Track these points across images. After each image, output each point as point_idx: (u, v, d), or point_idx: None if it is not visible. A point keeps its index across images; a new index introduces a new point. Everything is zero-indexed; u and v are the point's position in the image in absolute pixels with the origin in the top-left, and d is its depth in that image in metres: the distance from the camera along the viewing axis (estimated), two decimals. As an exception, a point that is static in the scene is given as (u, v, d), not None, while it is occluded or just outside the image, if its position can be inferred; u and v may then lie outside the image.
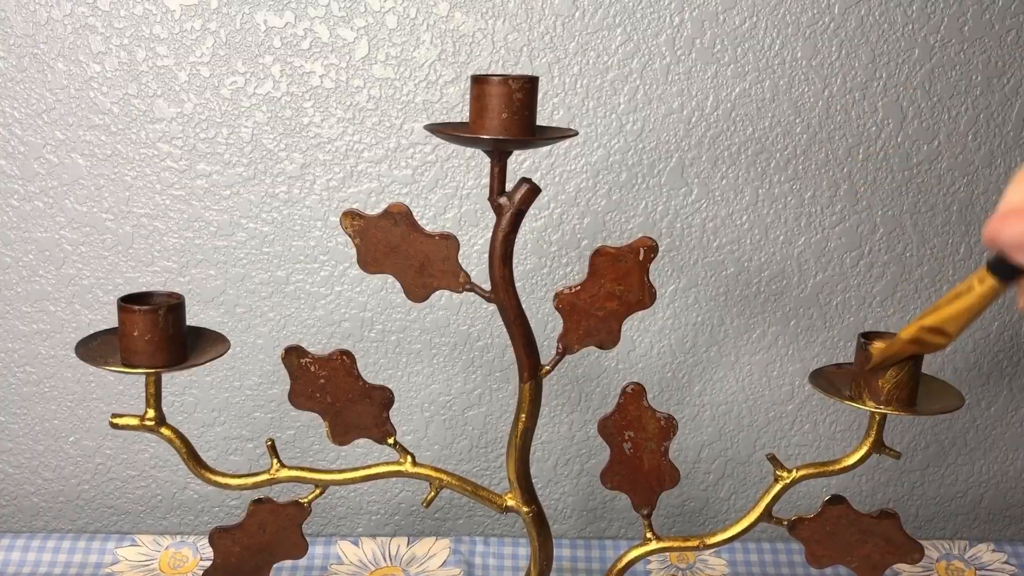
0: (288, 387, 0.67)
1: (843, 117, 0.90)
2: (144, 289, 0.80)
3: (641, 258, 0.64)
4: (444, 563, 0.94)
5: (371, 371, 0.95)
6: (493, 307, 0.66)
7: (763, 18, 0.87)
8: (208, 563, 0.71)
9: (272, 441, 0.69)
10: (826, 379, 0.68)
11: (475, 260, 0.91)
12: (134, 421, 0.65)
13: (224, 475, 0.68)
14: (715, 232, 0.93)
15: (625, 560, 0.72)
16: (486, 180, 0.89)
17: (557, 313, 0.66)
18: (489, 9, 0.86)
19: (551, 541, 0.73)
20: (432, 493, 0.70)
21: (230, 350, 0.67)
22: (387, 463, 0.70)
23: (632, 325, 0.96)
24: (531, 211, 0.90)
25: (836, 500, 0.70)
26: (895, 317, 0.97)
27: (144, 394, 0.65)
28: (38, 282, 0.92)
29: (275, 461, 0.69)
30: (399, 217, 0.63)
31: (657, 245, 0.65)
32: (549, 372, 0.67)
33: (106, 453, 0.98)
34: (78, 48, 0.85)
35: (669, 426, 0.68)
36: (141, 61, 0.86)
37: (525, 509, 0.71)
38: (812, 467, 0.68)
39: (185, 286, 0.92)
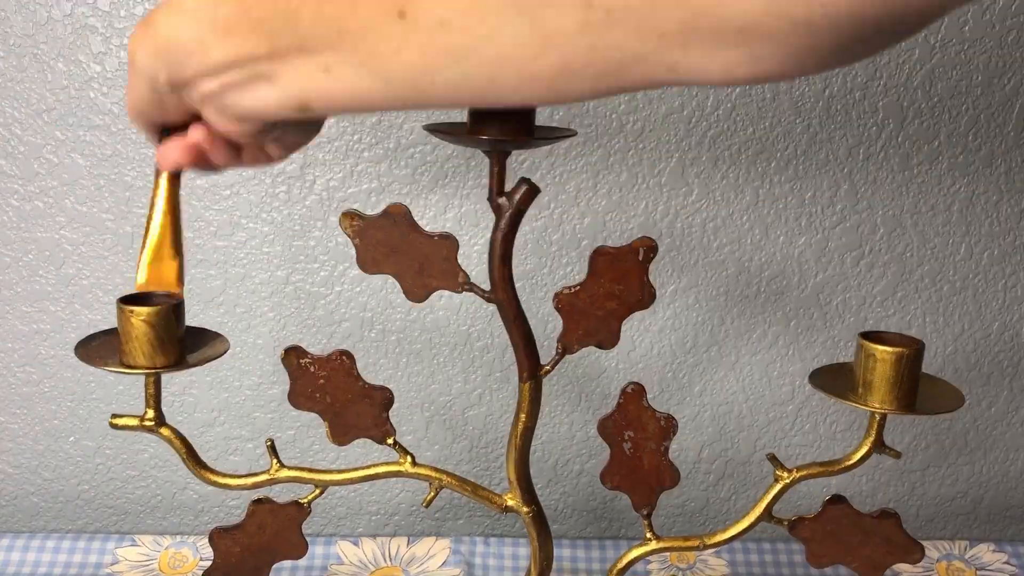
0: (288, 387, 0.67)
1: (843, 117, 0.90)
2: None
3: (641, 258, 0.64)
4: (444, 563, 0.94)
5: (371, 371, 0.95)
6: (494, 307, 0.66)
7: (763, 18, 0.87)
8: (208, 563, 0.71)
9: (271, 441, 0.69)
10: (826, 379, 0.68)
11: (476, 260, 0.91)
12: (133, 422, 0.65)
13: (223, 475, 0.68)
14: (715, 232, 0.93)
15: (625, 560, 0.72)
16: (486, 180, 0.89)
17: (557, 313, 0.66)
18: (489, 9, 0.86)
19: (551, 541, 0.73)
20: (432, 493, 0.70)
21: (230, 350, 0.67)
22: (386, 463, 0.70)
23: (632, 325, 0.96)
24: (531, 211, 0.90)
25: (836, 500, 0.70)
26: (895, 317, 0.97)
27: (144, 394, 0.65)
28: (38, 282, 0.92)
29: (274, 461, 0.69)
30: (398, 217, 0.63)
31: (657, 245, 0.65)
32: (549, 372, 0.67)
33: (106, 453, 0.98)
34: (78, 48, 0.85)
35: (669, 426, 0.68)
36: (141, 61, 0.86)
37: (525, 509, 0.71)
38: (812, 467, 0.68)
39: (185, 286, 0.92)
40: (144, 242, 0.53)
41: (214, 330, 0.68)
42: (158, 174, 0.53)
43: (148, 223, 0.53)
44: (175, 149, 0.51)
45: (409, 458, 0.69)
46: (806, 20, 0.34)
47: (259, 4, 0.42)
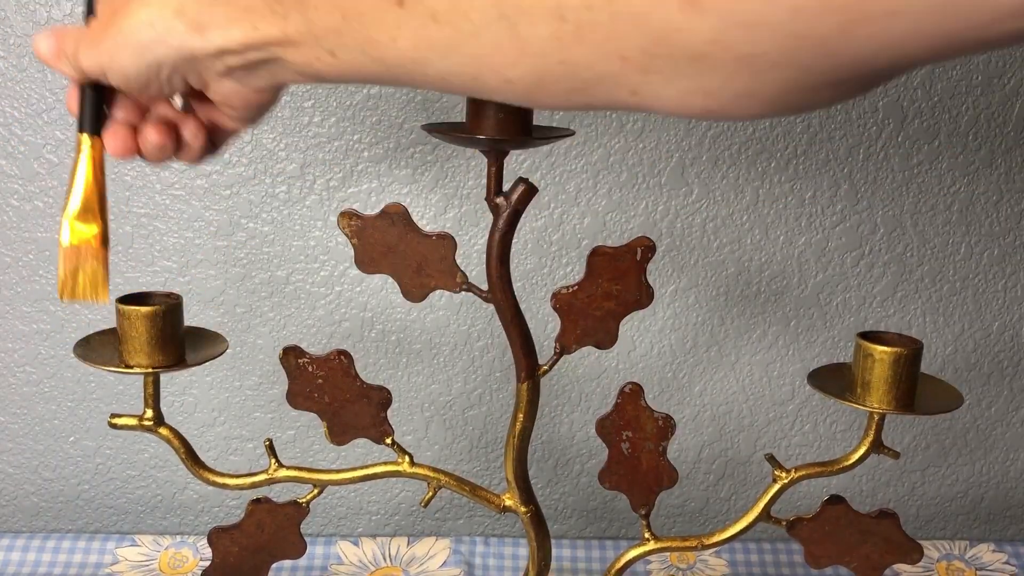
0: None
1: (843, 117, 0.90)
2: (144, 289, 0.80)
3: (638, 258, 0.64)
4: (444, 563, 0.94)
5: (371, 371, 0.95)
6: (494, 307, 0.66)
7: (763, 18, 0.87)
8: (208, 563, 0.71)
9: (270, 441, 0.69)
10: (825, 379, 0.68)
11: (476, 260, 0.91)
12: (132, 421, 0.65)
13: (222, 475, 0.68)
14: (715, 232, 0.93)
15: (622, 561, 0.72)
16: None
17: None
18: (488, 9, 0.86)
19: (549, 541, 0.73)
20: (430, 493, 0.70)
21: (230, 350, 0.67)
22: (384, 463, 0.70)
23: (632, 325, 0.96)
24: (531, 211, 0.90)
25: (835, 500, 0.70)
26: (895, 317, 0.97)
27: (143, 394, 0.65)
28: (38, 282, 0.92)
29: (273, 461, 0.69)
30: (396, 217, 0.63)
31: (654, 245, 0.65)
32: (547, 372, 0.67)
33: (106, 453, 0.98)
34: (78, 48, 0.85)
35: (667, 426, 0.68)
36: (141, 61, 0.86)
37: (523, 509, 0.71)
38: (810, 467, 0.68)
39: (185, 286, 0.92)
40: (67, 204, 0.53)
41: (212, 330, 0.68)
42: (90, 144, 0.56)
43: (71, 185, 0.54)
44: (154, 132, 0.54)
45: (407, 458, 0.69)
46: (749, 57, 0.34)
47: None
